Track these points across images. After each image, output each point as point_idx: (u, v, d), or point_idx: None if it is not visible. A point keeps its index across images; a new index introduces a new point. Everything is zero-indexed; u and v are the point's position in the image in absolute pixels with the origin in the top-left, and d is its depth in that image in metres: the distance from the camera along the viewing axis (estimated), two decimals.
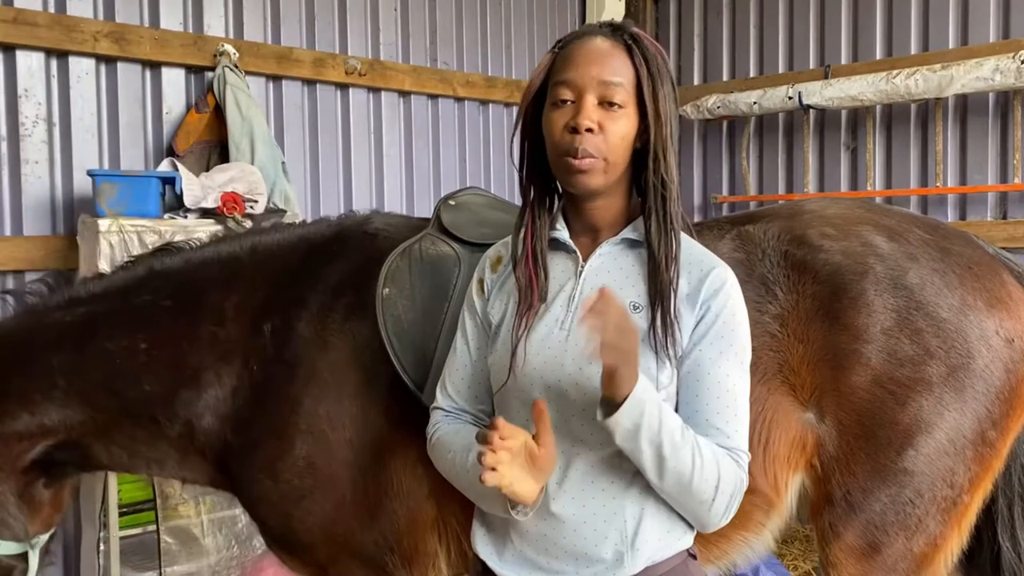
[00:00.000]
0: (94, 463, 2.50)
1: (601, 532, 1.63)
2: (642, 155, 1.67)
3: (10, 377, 2.36)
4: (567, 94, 1.63)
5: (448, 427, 1.80)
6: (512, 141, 1.78)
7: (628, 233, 1.72)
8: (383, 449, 2.23)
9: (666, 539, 1.66)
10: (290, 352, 2.28)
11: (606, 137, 1.61)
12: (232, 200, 3.85)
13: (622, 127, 1.62)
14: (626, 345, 1.46)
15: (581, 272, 1.71)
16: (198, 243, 2.53)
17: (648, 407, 1.51)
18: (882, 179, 5.29)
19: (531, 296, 1.70)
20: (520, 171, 1.78)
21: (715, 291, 1.66)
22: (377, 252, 2.34)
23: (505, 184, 5.86)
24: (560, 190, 1.78)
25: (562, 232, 1.75)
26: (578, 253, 1.73)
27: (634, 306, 1.65)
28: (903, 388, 2.12)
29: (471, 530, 1.81)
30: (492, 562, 1.72)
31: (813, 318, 2.16)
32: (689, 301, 1.65)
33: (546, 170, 1.74)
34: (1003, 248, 2.44)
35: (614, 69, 1.62)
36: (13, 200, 3.89)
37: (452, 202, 2.43)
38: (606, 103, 1.62)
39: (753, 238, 2.28)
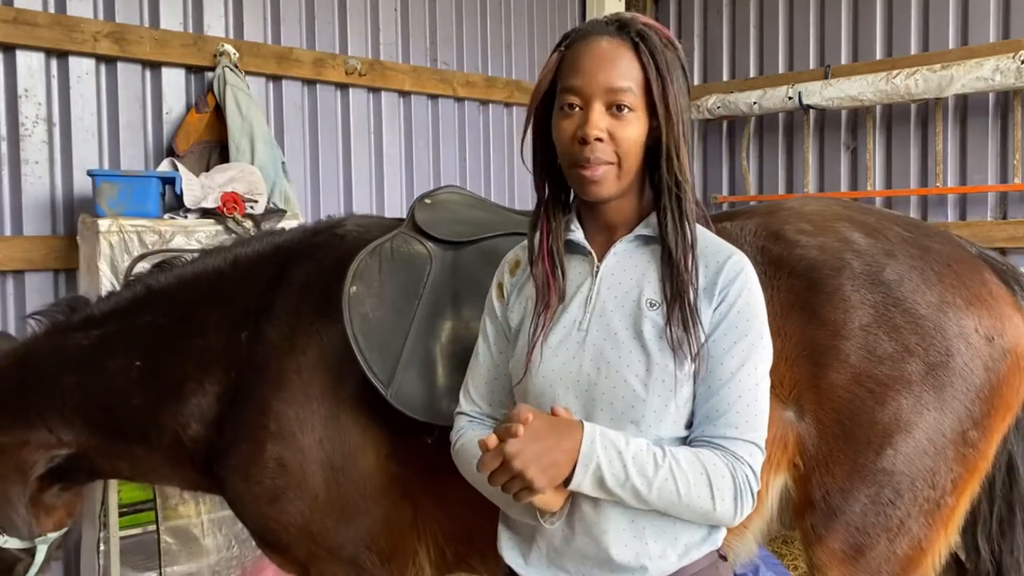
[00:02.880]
0: (101, 473, 2.67)
1: (623, 539, 1.61)
2: (654, 152, 1.63)
3: (33, 393, 2.50)
4: (575, 101, 1.59)
5: (473, 432, 1.77)
6: (522, 142, 1.74)
7: (642, 230, 1.69)
8: (354, 449, 2.24)
9: (692, 543, 1.64)
10: (260, 356, 2.32)
11: (617, 143, 1.58)
12: (232, 200, 3.85)
13: (633, 130, 1.59)
14: (543, 457, 1.47)
15: (597, 272, 1.69)
16: (190, 258, 2.61)
17: (603, 460, 1.50)
18: (882, 179, 5.28)
19: (548, 296, 1.68)
20: (534, 171, 1.75)
21: (731, 280, 1.63)
22: (345, 253, 2.35)
23: (505, 183, 5.87)
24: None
25: (576, 233, 1.72)
26: (593, 254, 1.71)
27: (650, 303, 1.62)
28: (882, 386, 2.09)
29: (497, 535, 1.79)
30: (517, 565, 1.70)
31: (789, 313, 2.14)
32: (706, 294, 1.62)
33: (559, 169, 1.70)
34: (1003, 248, 2.44)
35: (621, 73, 1.58)
36: (13, 200, 3.90)
37: (428, 200, 2.43)
38: (615, 107, 1.58)
39: (730, 235, 2.24)
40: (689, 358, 1.59)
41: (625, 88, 1.58)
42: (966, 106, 4.94)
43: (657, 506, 1.55)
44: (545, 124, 1.70)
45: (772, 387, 2.11)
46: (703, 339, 1.60)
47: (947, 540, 2.22)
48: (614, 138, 1.58)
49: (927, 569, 2.21)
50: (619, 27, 1.63)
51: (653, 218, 1.68)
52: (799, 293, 2.15)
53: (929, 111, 5.05)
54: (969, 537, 2.36)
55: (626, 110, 1.58)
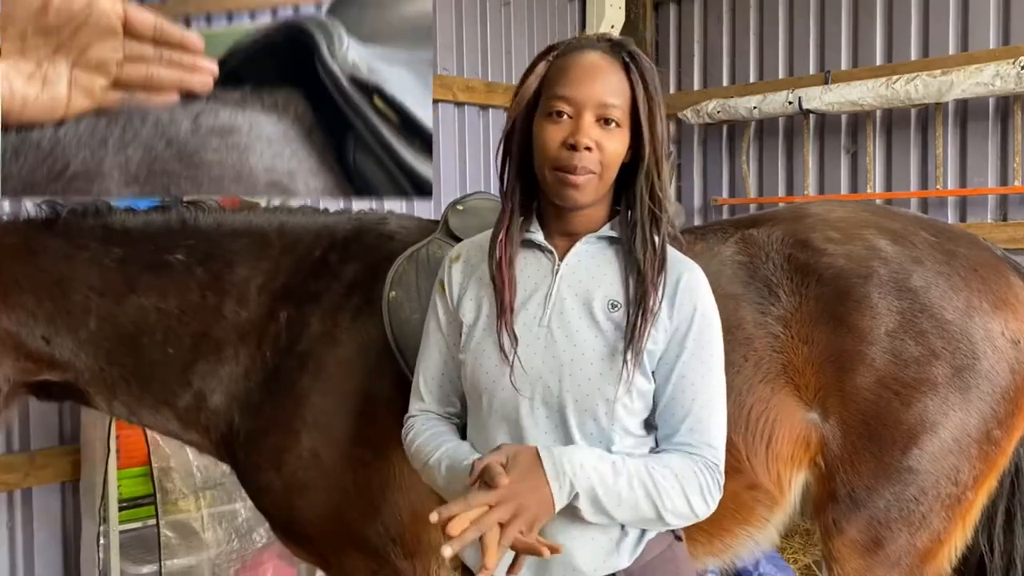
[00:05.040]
0: (92, 405, 2.48)
1: (580, 540, 1.63)
2: (629, 168, 1.69)
3: (44, 301, 2.31)
4: (564, 108, 1.63)
5: (421, 431, 1.81)
6: (499, 147, 1.78)
7: (606, 231, 1.73)
8: (386, 444, 2.24)
9: (649, 533, 1.68)
10: (302, 345, 2.32)
11: (603, 155, 1.62)
12: (232, 202, 3.83)
13: (617, 145, 1.63)
14: (523, 513, 1.48)
15: (558, 271, 1.71)
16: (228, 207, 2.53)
17: (583, 501, 1.54)
18: (882, 183, 5.30)
19: (511, 299, 1.70)
20: (501, 174, 1.78)
21: (689, 293, 1.68)
22: (390, 254, 2.38)
23: None
24: (534, 194, 1.78)
25: (536, 234, 1.75)
26: (555, 252, 1.73)
27: (612, 304, 1.67)
28: (908, 389, 2.13)
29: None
30: (470, 561, 1.75)
31: (817, 320, 2.18)
32: (667, 304, 1.67)
33: (530, 175, 1.74)
34: (1004, 250, 2.46)
35: (612, 89, 1.63)
36: (13, 202, 3.87)
37: (460, 207, 2.46)
38: (603, 121, 1.62)
39: (757, 241, 2.30)
40: (648, 362, 1.65)
41: (615, 104, 1.63)
42: (966, 111, 4.96)
43: (631, 516, 1.59)
44: (522, 129, 1.73)
45: (797, 390, 2.19)
46: (662, 343, 1.66)
47: (964, 533, 2.28)
48: (601, 149, 1.62)
49: (943, 561, 2.27)
50: (612, 46, 1.68)
51: (616, 222, 1.73)
52: (827, 302, 2.19)
53: (929, 115, 5.07)
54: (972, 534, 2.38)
55: (613, 124, 1.63)
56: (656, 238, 1.67)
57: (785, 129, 5.76)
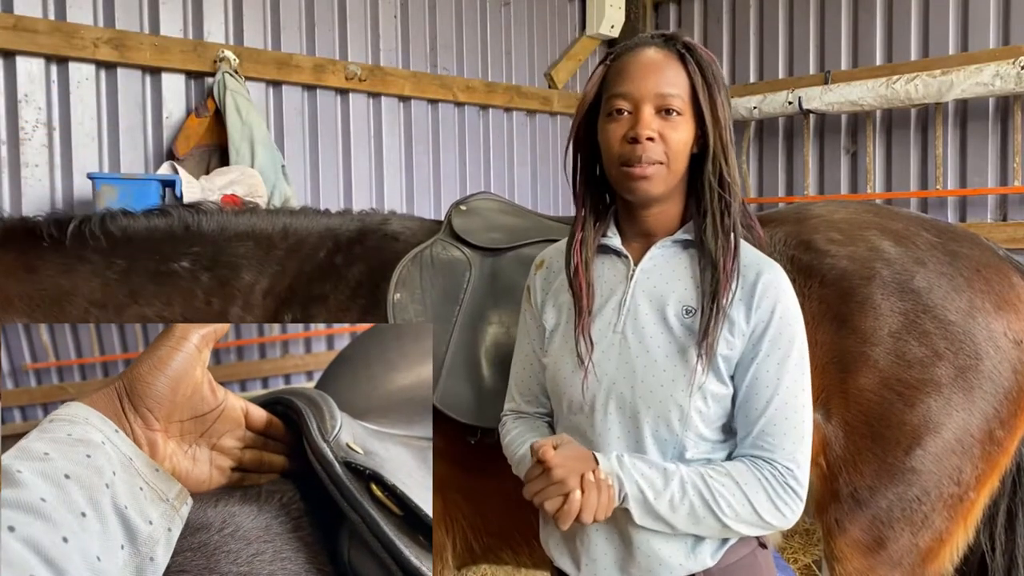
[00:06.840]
0: None
1: (662, 533, 1.64)
2: (698, 159, 1.68)
3: (39, 320, 2.31)
4: (624, 105, 1.64)
5: (511, 428, 1.87)
6: (565, 154, 1.79)
7: (681, 235, 1.72)
8: None
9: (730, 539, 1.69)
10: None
11: (668, 144, 1.62)
12: (232, 203, 3.84)
13: (682, 133, 1.63)
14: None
15: (632, 276, 1.71)
16: (229, 209, 2.51)
17: (632, 504, 1.56)
18: (882, 183, 5.31)
19: (589, 305, 1.71)
20: (573, 181, 1.79)
21: (768, 294, 1.65)
22: (394, 255, 2.39)
23: (505, 188, 5.88)
24: (610, 199, 1.80)
25: (613, 239, 1.75)
26: (629, 257, 1.73)
27: (687, 310, 1.65)
28: (911, 389, 2.13)
29: (540, 535, 1.84)
30: (570, 569, 1.74)
31: (820, 321, 2.18)
32: (743, 305, 1.64)
33: (599, 181, 1.76)
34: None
35: (669, 80, 1.63)
36: (13, 203, 3.88)
37: (463, 207, 2.46)
38: (664, 112, 1.63)
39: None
40: (724, 367, 1.63)
41: (674, 94, 1.63)
42: (966, 111, 4.97)
43: (690, 523, 1.59)
44: (587, 136, 1.75)
45: None
46: (739, 348, 1.64)
47: (966, 532, 2.27)
48: (664, 139, 1.62)
49: (945, 560, 2.26)
50: (665, 40, 1.69)
51: (691, 225, 1.71)
52: (830, 302, 2.19)
53: (929, 115, 5.08)
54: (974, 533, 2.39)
55: (675, 114, 1.63)
56: (727, 225, 1.65)
57: (785, 129, 5.76)
